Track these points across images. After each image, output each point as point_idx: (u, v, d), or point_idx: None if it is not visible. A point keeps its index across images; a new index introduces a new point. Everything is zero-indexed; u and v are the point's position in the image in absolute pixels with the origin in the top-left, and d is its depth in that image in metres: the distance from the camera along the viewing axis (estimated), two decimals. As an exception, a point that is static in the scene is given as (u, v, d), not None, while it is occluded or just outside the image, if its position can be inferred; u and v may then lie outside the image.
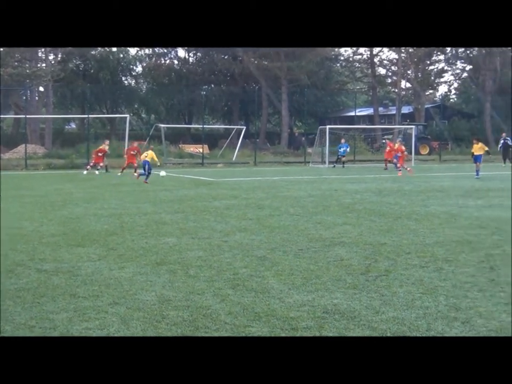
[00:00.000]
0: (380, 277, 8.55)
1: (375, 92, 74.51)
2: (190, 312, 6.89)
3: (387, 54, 76.92)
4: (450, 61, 78.15)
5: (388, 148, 38.38)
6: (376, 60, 73.50)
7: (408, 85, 74.01)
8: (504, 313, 6.78)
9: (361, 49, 74.00)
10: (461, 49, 75.42)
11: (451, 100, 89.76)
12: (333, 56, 75.13)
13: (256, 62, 65.56)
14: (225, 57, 69.88)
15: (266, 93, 66.94)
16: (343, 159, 42.61)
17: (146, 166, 27.10)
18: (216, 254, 10.25)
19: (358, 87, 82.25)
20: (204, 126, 58.89)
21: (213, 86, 74.33)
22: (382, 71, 75.89)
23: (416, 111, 71.00)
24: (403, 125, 61.10)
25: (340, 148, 42.94)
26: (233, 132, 56.04)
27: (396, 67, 71.14)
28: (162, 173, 29.75)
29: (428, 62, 73.93)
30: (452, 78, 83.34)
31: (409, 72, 72.81)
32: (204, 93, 67.87)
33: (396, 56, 71.07)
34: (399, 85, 70.08)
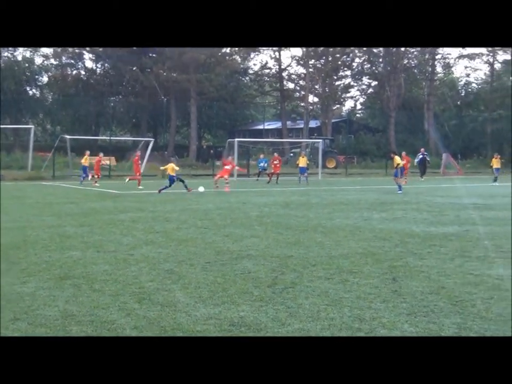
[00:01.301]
0: (286, 289, 8.60)
1: (284, 105, 75.46)
2: (94, 327, 6.74)
3: (295, 68, 78.07)
4: (357, 76, 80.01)
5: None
6: (284, 74, 74.46)
7: (316, 99, 75.39)
8: (406, 324, 6.92)
9: (270, 64, 74.91)
10: (366, 65, 77.35)
11: (357, 115, 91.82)
12: (242, 70, 75.66)
13: (165, 74, 65.30)
14: (134, 68, 69.31)
15: (175, 105, 66.76)
16: (265, 172, 43.29)
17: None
18: (121, 268, 10.09)
19: (266, 101, 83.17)
20: (111, 138, 58.17)
21: (120, 97, 73.62)
22: (290, 85, 76.95)
23: (324, 125, 72.32)
24: (311, 138, 62.00)
25: (260, 163, 43.74)
26: (141, 144, 55.53)
27: (304, 81, 72.20)
28: (201, 189, 29.39)
29: (335, 77, 75.42)
30: (358, 93, 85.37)
31: (316, 86, 74.14)
32: (112, 104, 67.13)
33: (304, 71, 72.15)
34: (306, 99, 71.22)
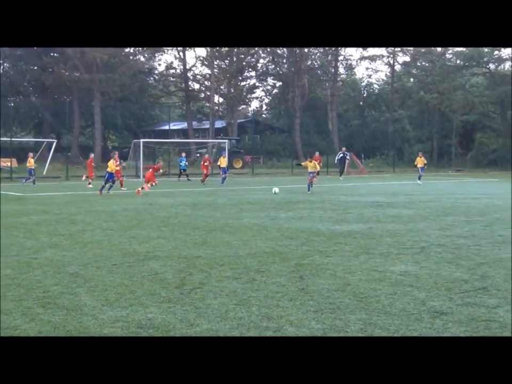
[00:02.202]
0: (194, 290, 8.58)
1: (189, 106, 75.24)
2: (-4, 334, 6.54)
3: (200, 69, 78.00)
4: (261, 77, 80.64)
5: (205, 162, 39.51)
6: (189, 74, 74.22)
7: (221, 99, 75.45)
8: (313, 321, 7.01)
9: (175, 64, 74.57)
10: (271, 66, 78.05)
11: (263, 115, 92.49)
12: (147, 70, 74.98)
13: (67, 73, 64.01)
14: (35, 68, 67.62)
15: (79, 105, 65.55)
16: (185, 172, 43.48)
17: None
18: (25, 272, 9.83)
19: (172, 101, 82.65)
20: (12, 139, 56.54)
21: (21, 97, 71.65)
22: (195, 85, 76.77)
23: (229, 125, 72.52)
24: (217, 139, 62.06)
25: (181, 162, 43.69)
26: (44, 145, 54.26)
27: (209, 82, 72.20)
28: (276, 190, 28.51)
29: (240, 78, 75.76)
30: (263, 94, 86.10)
31: (222, 87, 74.24)
32: (12, 104, 65.25)
33: (209, 71, 72.17)
34: (212, 100, 71.25)
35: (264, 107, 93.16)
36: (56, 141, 53.67)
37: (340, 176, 44.81)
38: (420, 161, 39.47)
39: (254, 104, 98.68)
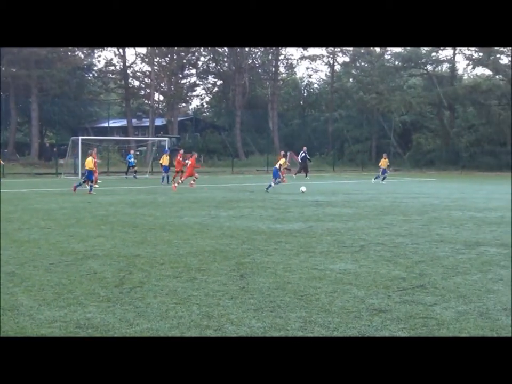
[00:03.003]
0: (134, 289, 8.50)
1: (129, 103, 74.44)
2: None
3: (140, 66, 77.29)
4: (202, 75, 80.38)
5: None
6: (129, 71, 73.48)
7: (162, 97, 74.97)
8: (254, 319, 7.02)
9: (114, 60, 73.66)
10: (212, 64, 77.88)
11: (203, 114, 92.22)
12: (85, 66, 73.94)
13: (3, 68, 62.69)
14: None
15: (15, 101, 64.27)
16: (134, 169, 43.08)
17: None
18: (-41, 272, 9.58)
19: (111, 98, 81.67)
20: None
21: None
22: (135, 83, 76.01)
23: (170, 123, 72.11)
24: (157, 137, 61.62)
25: (130, 158, 43.34)
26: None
27: (149, 79, 71.64)
28: (303, 188, 28.47)
29: (181, 76, 75.39)
30: (203, 92, 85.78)
31: (162, 85, 73.75)
32: None
33: (149, 69, 71.61)
34: (152, 97, 70.69)
35: (205, 105, 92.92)
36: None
37: (306, 175, 45.06)
38: (384, 162, 40.24)
39: (195, 102, 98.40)
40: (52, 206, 20.57)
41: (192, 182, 31.91)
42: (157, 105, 74.38)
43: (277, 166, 30.56)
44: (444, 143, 68.06)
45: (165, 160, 37.68)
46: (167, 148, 44.51)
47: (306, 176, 45.09)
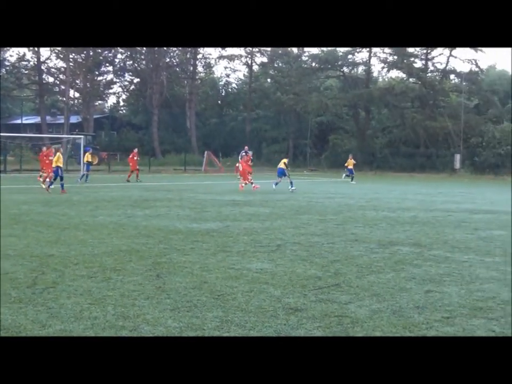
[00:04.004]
0: (47, 289, 8.31)
1: (43, 100, 72.90)
2: None
3: (55, 62, 75.63)
4: (119, 72, 79.43)
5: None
6: (43, 67, 71.94)
7: (77, 94, 73.66)
8: (170, 319, 6.96)
9: (28, 56, 71.99)
10: (129, 62, 77.01)
11: (120, 111, 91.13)
12: (-3, 61, 71.99)
13: None
14: None
15: None
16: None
17: None
18: None
19: (24, 94, 79.76)
20: None
21: None
22: (50, 79, 74.48)
23: (85, 121, 70.94)
24: (72, 134, 60.54)
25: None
26: None
27: (64, 76, 70.32)
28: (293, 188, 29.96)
29: (97, 73, 74.28)
30: (120, 89, 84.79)
31: (77, 81, 72.50)
32: None
33: (64, 65, 70.28)
34: (67, 94, 69.43)
35: (122, 103, 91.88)
36: None
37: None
38: (351, 162, 42.24)
39: (111, 100, 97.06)
40: (-39, 205, 19.92)
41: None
42: (72, 102, 73.08)
43: (282, 165, 32.28)
44: (359, 144, 69.28)
45: (89, 157, 37.01)
46: (88, 147, 43.76)
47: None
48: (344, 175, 43.08)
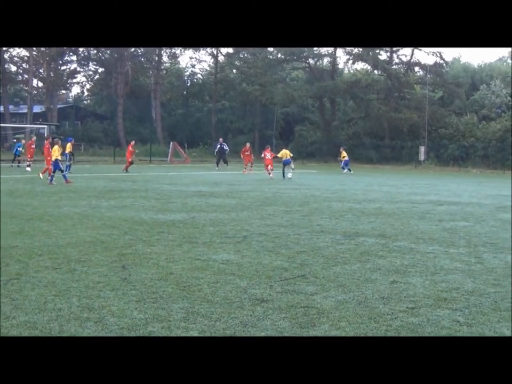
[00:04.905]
0: (10, 281, 8.21)
1: (5, 89, 71.91)
2: None
3: (18, 50, 74.67)
4: (83, 62, 78.68)
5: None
6: (6, 55, 70.97)
7: (40, 83, 72.82)
8: (136, 311, 6.93)
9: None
10: (93, 51, 76.29)
11: (84, 101, 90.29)
12: (-41, 49, 70.85)
13: None
14: None
15: None
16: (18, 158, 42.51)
17: None
18: None
19: (-13, 83, 78.59)
20: None
21: None
22: (12, 67, 73.50)
23: (49, 111, 70.16)
24: (35, 124, 59.84)
25: (18, 147, 42.59)
26: None
27: (27, 65, 69.46)
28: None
29: (61, 62, 73.48)
30: (84, 79, 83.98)
31: (41, 70, 71.65)
32: None
33: (27, 54, 69.43)
34: (30, 83, 68.60)
35: (86, 93, 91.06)
36: None
37: (217, 165, 45.02)
38: (344, 154, 43.37)
39: (75, 90, 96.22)
40: None
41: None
42: (35, 91, 72.19)
43: (287, 157, 34.31)
44: (325, 136, 69.51)
45: (68, 148, 35.76)
46: (70, 137, 43.21)
47: (218, 167, 45.06)
48: (345, 169, 42.85)
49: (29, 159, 38.36)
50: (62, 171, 27.04)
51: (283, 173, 33.70)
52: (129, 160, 37.93)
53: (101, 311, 6.92)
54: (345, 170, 42.58)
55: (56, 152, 26.87)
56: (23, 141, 44.76)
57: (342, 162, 43.40)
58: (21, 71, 73.66)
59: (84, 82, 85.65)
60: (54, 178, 26.30)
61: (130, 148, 38.92)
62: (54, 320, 6.54)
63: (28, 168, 36.58)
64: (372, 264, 9.93)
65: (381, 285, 8.46)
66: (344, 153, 43.21)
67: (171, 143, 58.03)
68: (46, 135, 47.93)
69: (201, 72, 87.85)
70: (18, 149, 42.44)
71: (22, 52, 72.25)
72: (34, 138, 39.70)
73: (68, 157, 35.75)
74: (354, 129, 69.85)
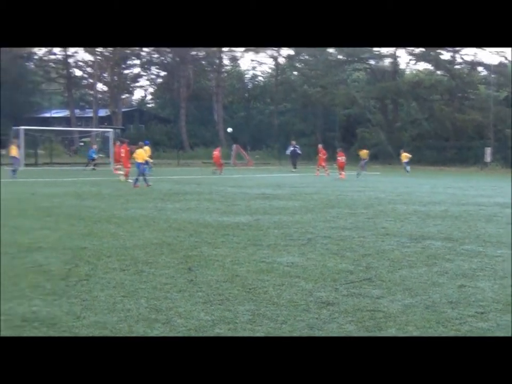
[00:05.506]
0: (80, 282, 8.39)
1: (71, 93, 73.39)
2: None
3: (82, 55, 76.11)
4: (146, 66, 79.69)
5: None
6: (71, 60, 72.39)
7: (105, 88, 74.05)
8: (202, 312, 6.99)
9: (56, 49, 72.37)
10: (155, 55, 77.13)
11: (148, 105, 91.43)
12: (26, 55, 72.55)
13: None
14: None
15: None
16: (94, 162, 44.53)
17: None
18: None
19: (53, 88, 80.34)
20: None
21: None
22: (77, 72, 74.97)
23: (114, 114, 71.29)
24: (101, 128, 60.91)
25: (93, 153, 44.68)
26: None
27: (92, 69, 70.75)
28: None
29: (124, 66, 74.59)
30: (147, 83, 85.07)
31: (105, 75, 72.87)
32: None
33: (92, 58, 70.69)
34: (95, 88, 69.86)
35: (149, 96, 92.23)
36: None
37: (294, 168, 45.37)
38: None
39: (139, 93, 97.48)
40: (-7, 197, 20.15)
41: None
42: (100, 95, 73.46)
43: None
44: (388, 137, 68.84)
45: (148, 152, 33.90)
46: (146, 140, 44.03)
47: (294, 168, 45.55)
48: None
49: (118, 164, 37.78)
50: (144, 175, 27.43)
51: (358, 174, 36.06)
52: (219, 163, 39.39)
53: (168, 312, 7.01)
54: (407, 169, 43.20)
55: (141, 155, 27.40)
56: (95, 146, 46.02)
57: (405, 163, 43.66)
58: (86, 76, 75.07)
59: (146, 86, 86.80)
60: (138, 181, 26.73)
61: (217, 153, 40.32)
62: (123, 321, 6.65)
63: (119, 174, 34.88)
64: (438, 267, 9.79)
65: (448, 289, 8.34)
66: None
67: (234, 145, 58.30)
68: (111, 138, 48.79)
69: (262, 75, 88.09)
70: (92, 155, 44.27)
71: (87, 56, 73.66)
72: (118, 144, 39.37)
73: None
74: (417, 130, 68.99)
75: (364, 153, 44.90)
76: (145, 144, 36.83)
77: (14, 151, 33.23)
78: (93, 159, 44.35)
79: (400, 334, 6.31)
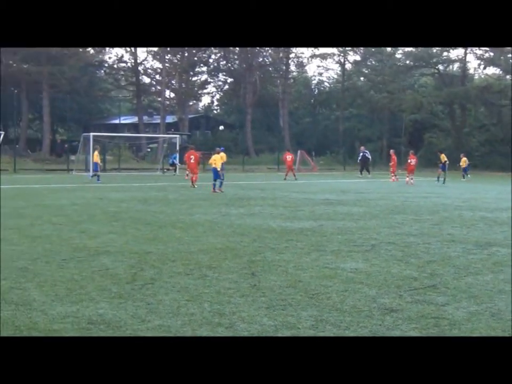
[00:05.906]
0: (145, 286, 8.53)
1: (140, 100, 74.53)
2: None
3: (151, 63, 77.26)
4: (213, 72, 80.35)
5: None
6: (140, 68, 73.55)
7: (172, 94, 74.93)
8: (266, 317, 7.03)
9: (126, 57, 73.73)
10: (222, 62, 77.77)
11: (214, 111, 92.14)
12: (96, 63, 74.11)
13: (15, 65, 62.90)
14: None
15: (27, 97, 64.46)
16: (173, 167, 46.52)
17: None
18: (-28, 266, 9.63)
19: (122, 95, 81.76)
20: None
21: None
22: (146, 79, 76.10)
23: (181, 121, 72.05)
24: (168, 134, 61.64)
25: (174, 158, 46.65)
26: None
27: (160, 76, 71.72)
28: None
29: (191, 73, 75.36)
30: (214, 89, 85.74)
31: (173, 82, 73.75)
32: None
33: (160, 66, 71.66)
34: (163, 95, 70.74)
35: (215, 103, 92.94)
36: (3, 133, 52.52)
37: (361, 174, 45.44)
38: (463, 161, 44.86)
39: (205, 100, 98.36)
40: (63, 202, 20.64)
41: None
42: (167, 102, 74.36)
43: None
44: (455, 143, 67.71)
45: (223, 158, 32.70)
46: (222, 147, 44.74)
47: (361, 174, 45.64)
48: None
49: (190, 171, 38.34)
50: (220, 180, 27.76)
51: (438, 177, 37.31)
52: (292, 168, 40.57)
53: (231, 317, 7.07)
54: (466, 176, 43.18)
55: (217, 161, 27.76)
56: (176, 152, 47.41)
57: (464, 168, 43.60)
58: (154, 83, 76.09)
59: (213, 93, 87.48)
60: (216, 186, 27.05)
61: (287, 157, 41.11)
62: (187, 325, 6.73)
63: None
64: (505, 275, 9.61)
65: (515, 297, 8.18)
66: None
67: (299, 151, 58.24)
68: (178, 144, 49.40)
69: (328, 81, 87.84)
70: (174, 160, 46.12)
71: (156, 64, 74.75)
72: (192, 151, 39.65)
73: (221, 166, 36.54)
74: (486, 136, 67.64)
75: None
76: (221, 151, 37.16)
77: (96, 157, 34.43)
78: (174, 164, 46.03)
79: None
